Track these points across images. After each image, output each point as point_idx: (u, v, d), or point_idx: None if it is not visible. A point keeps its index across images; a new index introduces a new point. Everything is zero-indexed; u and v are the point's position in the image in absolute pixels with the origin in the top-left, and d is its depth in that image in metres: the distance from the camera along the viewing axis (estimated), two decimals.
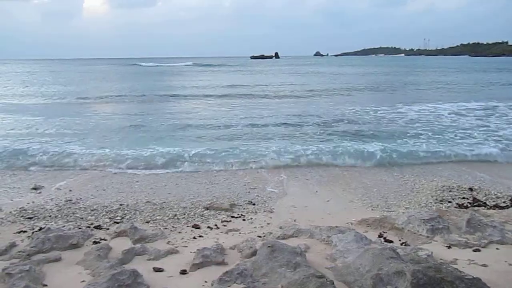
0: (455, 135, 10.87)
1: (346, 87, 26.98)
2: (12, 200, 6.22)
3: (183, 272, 3.50)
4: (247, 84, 29.04)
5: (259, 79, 36.78)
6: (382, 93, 23.94)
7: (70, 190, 6.72)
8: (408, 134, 10.99)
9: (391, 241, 4.27)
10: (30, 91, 25.92)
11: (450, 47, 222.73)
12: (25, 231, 4.76)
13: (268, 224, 5.15)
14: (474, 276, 2.76)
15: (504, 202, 5.85)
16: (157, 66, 73.70)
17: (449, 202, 5.92)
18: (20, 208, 5.72)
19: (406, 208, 5.75)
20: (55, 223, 5.16)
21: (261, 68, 62.56)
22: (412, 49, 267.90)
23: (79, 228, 4.82)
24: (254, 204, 6.05)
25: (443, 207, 5.67)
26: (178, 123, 13.22)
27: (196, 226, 4.99)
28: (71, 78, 40.49)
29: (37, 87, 28.58)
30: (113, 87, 28.37)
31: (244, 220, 5.34)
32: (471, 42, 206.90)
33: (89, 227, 4.95)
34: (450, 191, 6.40)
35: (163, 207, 5.83)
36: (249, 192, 6.69)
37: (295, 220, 5.23)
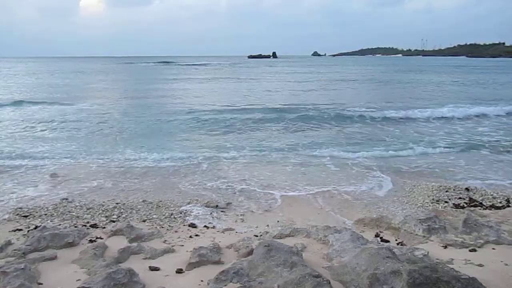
0: None
1: None
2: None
3: (179, 271, 3.49)
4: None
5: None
6: None
7: None
8: None
9: (387, 241, 4.28)
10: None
11: (447, 48, 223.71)
12: (20, 229, 4.74)
13: (265, 223, 5.14)
14: (470, 276, 2.77)
15: (500, 202, 5.87)
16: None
17: (446, 202, 5.94)
18: (15, 206, 5.69)
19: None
20: (50, 221, 5.13)
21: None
22: (409, 49, 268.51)
23: (75, 227, 4.80)
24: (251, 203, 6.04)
25: (440, 207, 5.69)
26: None
27: (193, 225, 4.99)
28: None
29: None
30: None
31: (241, 219, 5.33)
32: (468, 43, 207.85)
33: (85, 225, 4.93)
34: (446, 191, 6.42)
35: (160, 206, 5.81)
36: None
37: (292, 219, 5.23)
